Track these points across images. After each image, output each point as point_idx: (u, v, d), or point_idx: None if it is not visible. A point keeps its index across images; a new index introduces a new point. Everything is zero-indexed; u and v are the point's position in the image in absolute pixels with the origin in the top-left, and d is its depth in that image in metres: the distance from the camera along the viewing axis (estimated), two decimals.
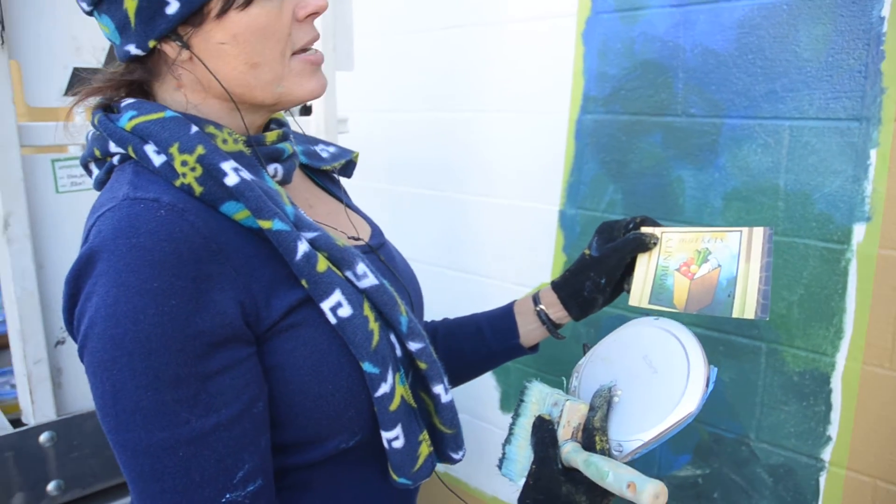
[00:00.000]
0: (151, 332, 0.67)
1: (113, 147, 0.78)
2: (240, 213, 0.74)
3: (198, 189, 0.73)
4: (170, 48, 0.76)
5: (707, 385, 0.80)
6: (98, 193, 0.81)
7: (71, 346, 1.27)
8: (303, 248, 0.75)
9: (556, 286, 1.05)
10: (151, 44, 0.75)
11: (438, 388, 0.86)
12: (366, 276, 0.80)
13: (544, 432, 0.81)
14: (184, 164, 0.73)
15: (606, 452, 0.79)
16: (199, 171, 0.73)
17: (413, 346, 0.83)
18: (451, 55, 1.88)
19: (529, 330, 1.06)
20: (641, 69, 1.50)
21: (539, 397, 0.85)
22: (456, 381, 1.09)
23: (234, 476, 0.72)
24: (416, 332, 0.84)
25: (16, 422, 1.34)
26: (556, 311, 1.05)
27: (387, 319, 0.81)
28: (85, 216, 0.79)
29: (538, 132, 1.72)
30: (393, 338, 0.82)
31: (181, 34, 0.75)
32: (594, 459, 0.76)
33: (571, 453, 0.78)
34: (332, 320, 0.76)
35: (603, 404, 0.81)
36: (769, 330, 1.38)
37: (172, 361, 0.68)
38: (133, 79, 0.81)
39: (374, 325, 0.79)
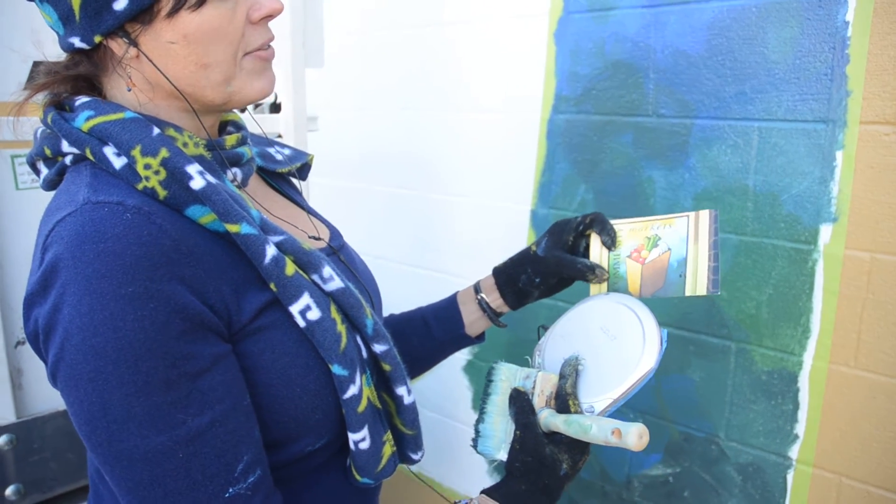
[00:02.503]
0: (134, 339, 0.65)
1: (66, 147, 0.76)
2: (205, 217, 0.73)
3: (162, 192, 0.71)
4: (116, 45, 0.74)
5: (661, 343, 0.87)
6: (50, 194, 0.79)
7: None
8: (271, 251, 0.74)
9: (496, 272, 1.07)
10: (97, 39, 0.73)
11: (401, 390, 0.87)
12: (332, 279, 0.79)
13: (522, 402, 0.86)
14: (147, 167, 0.71)
15: (580, 414, 0.84)
16: (162, 174, 0.71)
17: (378, 348, 0.84)
18: (423, 53, 1.87)
19: (473, 319, 1.08)
20: (613, 69, 1.50)
21: (508, 374, 0.91)
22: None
23: (235, 469, 0.71)
24: (381, 334, 0.84)
25: None
26: (496, 299, 1.07)
27: (353, 322, 0.81)
28: None
29: (510, 131, 1.72)
30: (359, 340, 0.82)
31: (129, 31, 0.73)
32: (574, 418, 0.82)
33: (549, 418, 0.84)
34: (301, 323, 0.76)
35: (572, 372, 0.87)
36: (738, 329, 1.39)
37: (160, 365, 0.66)
38: (79, 73, 0.78)
39: (341, 328, 0.78)
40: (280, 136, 1.53)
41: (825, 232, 1.27)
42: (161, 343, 0.66)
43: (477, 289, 1.08)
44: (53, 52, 1.20)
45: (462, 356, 1.91)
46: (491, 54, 1.73)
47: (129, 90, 0.77)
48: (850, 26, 1.20)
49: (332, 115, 2.07)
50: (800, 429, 1.32)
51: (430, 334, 1.08)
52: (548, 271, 1.01)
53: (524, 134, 1.68)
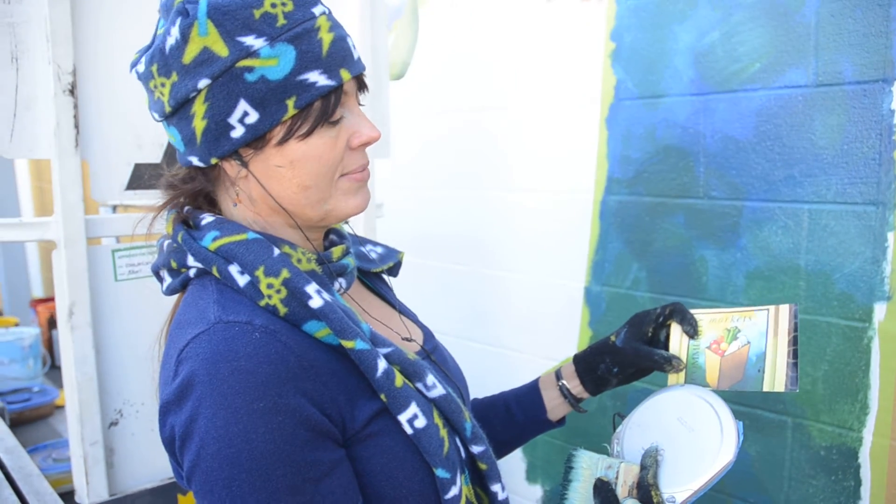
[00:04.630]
0: (265, 449, 0.71)
1: (191, 261, 0.83)
2: (321, 332, 0.79)
3: (282, 310, 0.78)
4: (229, 166, 0.82)
5: (738, 436, 0.90)
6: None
7: (123, 428, 1.32)
8: (382, 365, 0.80)
9: (576, 359, 1.12)
10: (213, 161, 0.81)
11: (496, 487, 0.91)
12: (435, 387, 0.85)
13: (607, 492, 0.88)
14: (269, 286, 0.78)
15: None
16: (284, 293, 0.78)
17: (476, 449, 0.89)
18: (479, 137, 1.97)
19: (555, 405, 1.12)
20: (664, 153, 1.57)
21: (589, 463, 0.94)
22: None
23: None
24: (478, 436, 0.89)
25: (62, 495, 1.37)
26: (576, 386, 1.11)
27: (453, 426, 0.87)
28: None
29: (564, 211, 1.79)
30: (458, 441, 0.88)
31: (242, 155, 0.81)
32: None
33: None
34: (409, 431, 0.81)
35: (653, 463, 0.90)
36: (794, 405, 1.41)
37: (287, 473, 0.72)
38: (192, 188, 0.87)
39: (443, 432, 0.84)
40: (347, 223, 1.62)
41: (879, 310, 1.30)
42: (288, 453, 0.72)
43: (558, 376, 1.12)
44: (152, 155, 1.31)
45: None
46: (545, 138, 1.81)
47: (235, 206, 0.85)
48: None
49: (391, 194, 2.15)
50: None
51: (513, 419, 1.13)
52: (626, 362, 1.05)
53: (577, 214, 1.75)
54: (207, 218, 0.84)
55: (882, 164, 1.28)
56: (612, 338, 1.08)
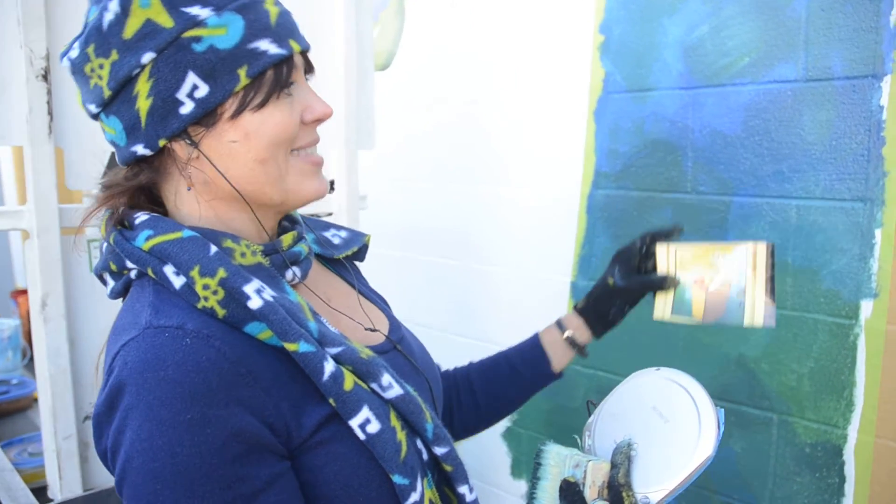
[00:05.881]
0: (190, 464, 0.67)
1: (129, 263, 0.79)
2: (263, 334, 0.74)
3: (220, 312, 0.73)
4: (179, 147, 0.77)
5: (718, 427, 0.84)
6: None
7: None
8: (329, 368, 0.75)
9: (582, 311, 1.15)
10: (161, 143, 0.76)
11: (463, 489, 0.87)
12: (391, 387, 0.80)
13: (573, 495, 0.83)
14: (205, 287, 0.73)
15: None
16: (221, 294, 0.73)
17: (439, 450, 0.84)
18: (467, 130, 1.95)
19: (559, 357, 1.15)
20: (652, 147, 1.56)
21: (557, 460, 0.87)
22: (495, 419, 1.19)
23: None
24: (441, 437, 0.84)
25: (36, 490, 1.35)
26: (582, 334, 1.15)
27: (412, 427, 0.82)
28: None
29: (551, 205, 1.77)
30: (419, 443, 0.83)
31: (191, 134, 0.76)
32: None
33: None
34: (361, 436, 0.76)
35: (624, 460, 0.84)
36: (780, 401, 1.41)
37: (215, 488, 0.68)
38: (137, 183, 0.81)
39: (401, 436, 0.79)
40: (331, 214, 1.59)
41: (866, 307, 1.29)
42: (217, 467, 0.68)
43: (561, 327, 1.15)
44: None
45: (501, 423, 1.93)
46: (532, 131, 1.79)
47: (189, 189, 0.80)
48: (885, 110, 1.25)
49: (378, 187, 2.13)
50: (847, 503, 1.33)
51: (519, 377, 1.14)
52: (634, 295, 1.11)
53: (564, 208, 1.74)
54: (142, 216, 0.79)
55: (871, 160, 1.27)
56: (610, 280, 1.12)
